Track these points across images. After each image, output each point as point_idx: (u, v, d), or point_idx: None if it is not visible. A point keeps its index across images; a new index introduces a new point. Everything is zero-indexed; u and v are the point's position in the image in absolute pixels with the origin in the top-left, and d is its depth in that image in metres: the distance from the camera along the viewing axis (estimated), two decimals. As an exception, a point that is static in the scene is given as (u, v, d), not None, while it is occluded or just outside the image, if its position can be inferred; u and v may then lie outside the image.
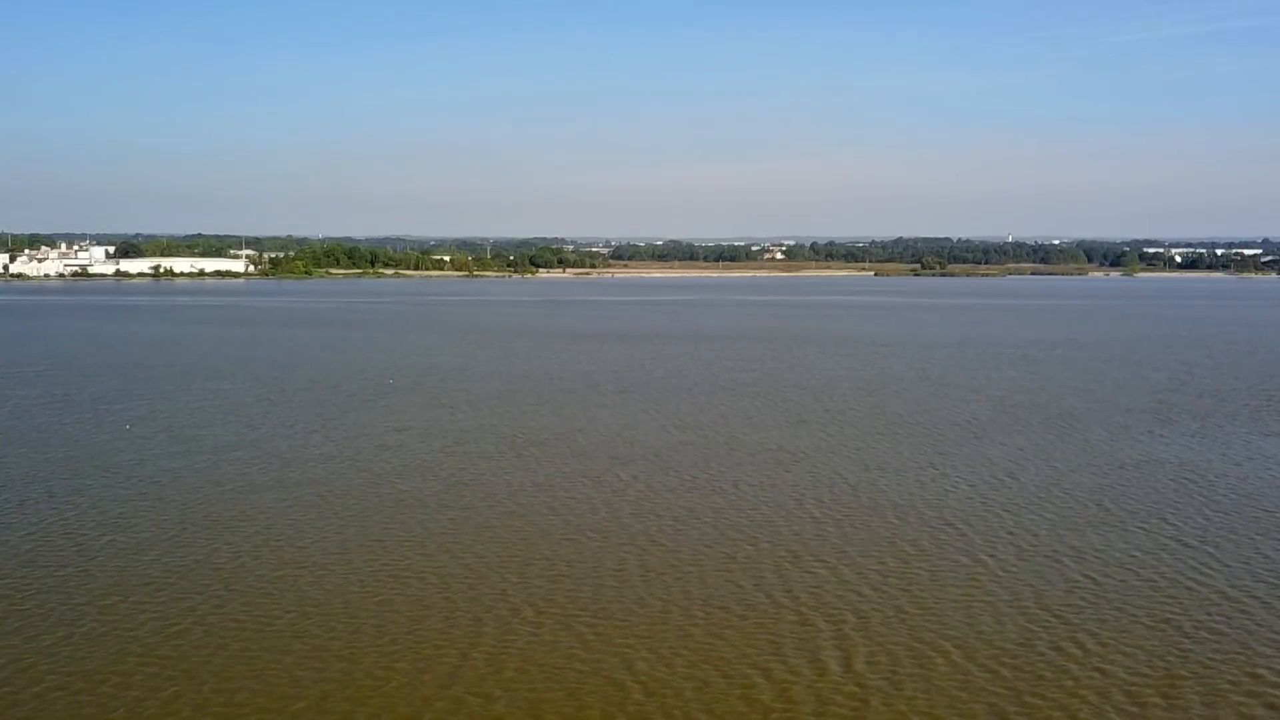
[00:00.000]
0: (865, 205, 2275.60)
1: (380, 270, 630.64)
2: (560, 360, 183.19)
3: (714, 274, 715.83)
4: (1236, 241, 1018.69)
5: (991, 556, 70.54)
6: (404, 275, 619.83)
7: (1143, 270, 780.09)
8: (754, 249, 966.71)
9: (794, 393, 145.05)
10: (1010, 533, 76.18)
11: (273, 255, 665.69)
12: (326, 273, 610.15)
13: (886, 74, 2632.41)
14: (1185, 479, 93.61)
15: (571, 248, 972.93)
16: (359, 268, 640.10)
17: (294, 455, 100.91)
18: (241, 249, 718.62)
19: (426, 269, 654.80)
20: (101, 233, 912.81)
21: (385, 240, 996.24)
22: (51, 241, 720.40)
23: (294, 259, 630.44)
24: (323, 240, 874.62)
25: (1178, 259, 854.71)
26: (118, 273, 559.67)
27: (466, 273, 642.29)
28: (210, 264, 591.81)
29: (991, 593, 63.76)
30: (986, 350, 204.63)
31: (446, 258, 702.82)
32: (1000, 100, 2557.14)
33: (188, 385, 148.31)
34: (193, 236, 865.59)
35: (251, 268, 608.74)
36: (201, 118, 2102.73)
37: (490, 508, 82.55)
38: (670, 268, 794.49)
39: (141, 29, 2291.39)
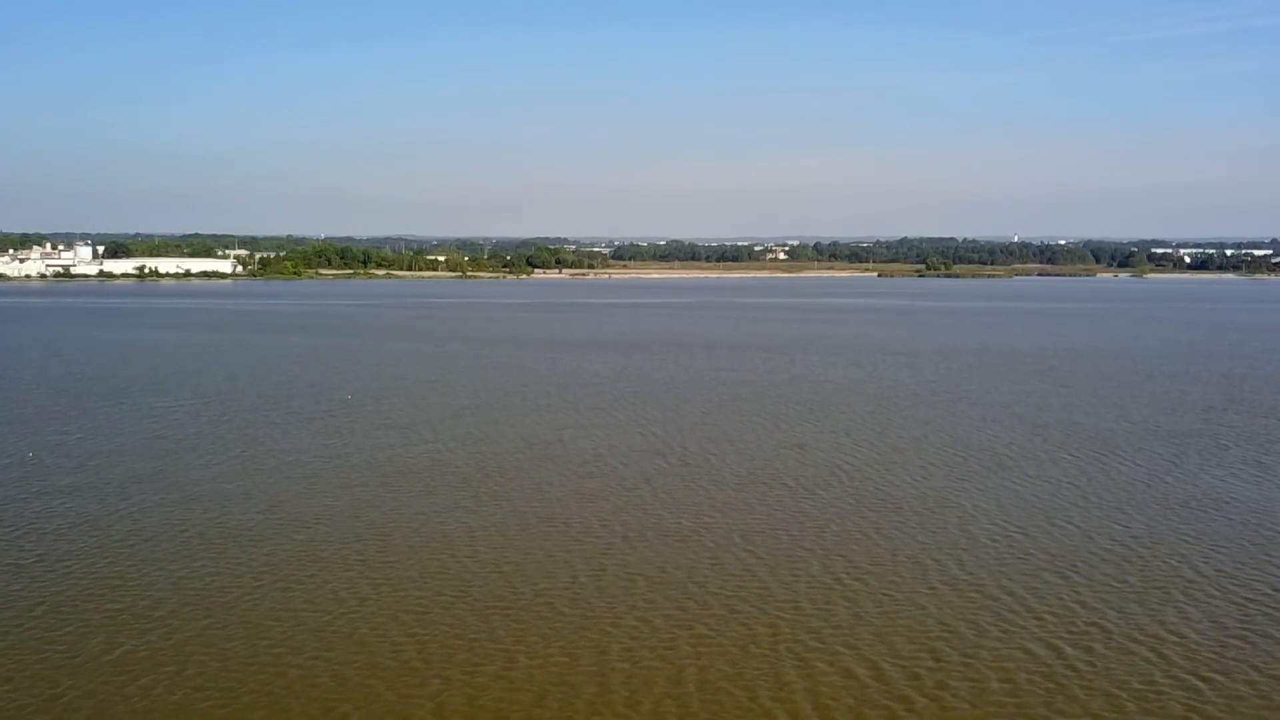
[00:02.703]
0: (870, 205, 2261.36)
1: (371, 271, 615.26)
2: (539, 372, 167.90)
3: (714, 274, 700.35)
4: (1245, 242, 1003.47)
5: (1060, 650, 55.28)
6: (396, 276, 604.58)
7: (1152, 271, 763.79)
8: (757, 249, 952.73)
9: (794, 410, 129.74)
10: (1067, 607, 60.87)
11: (263, 255, 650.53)
12: (316, 273, 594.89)
13: (891, 74, 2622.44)
14: (1264, 524, 78.32)
15: (573, 248, 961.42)
16: (351, 268, 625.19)
17: (200, 493, 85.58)
18: (234, 249, 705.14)
19: (420, 269, 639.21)
20: (102, 232, 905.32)
21: (386, 240, 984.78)
22: (48, 241, 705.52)
23: (283, 259, 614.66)
24: (324, 240, 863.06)
25: (1187, 260, 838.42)
26: (101, 273, 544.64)
27: (460, 274, 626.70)
28: (197, 264, 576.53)
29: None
30: (1006, 359, 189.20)
31: (441, 258, 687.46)
32: (1005, 100, 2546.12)
33: (120, 402, 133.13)
34: (190, 236, 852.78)
35: (239, 268, 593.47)
36: (203, 117, 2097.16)
37: (414, 567, 67.23)
38: (670, 268, 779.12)
39: (142, 29, 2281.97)
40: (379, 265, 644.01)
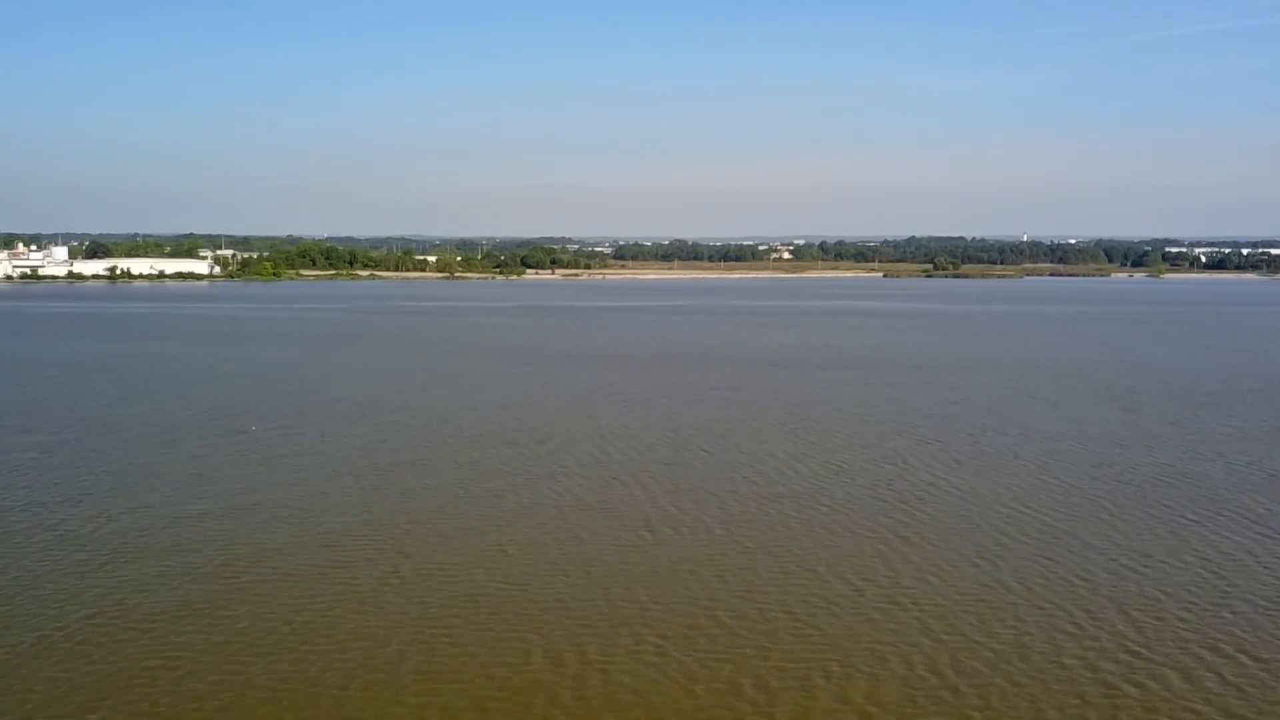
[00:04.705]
0: (878, 204, 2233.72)
1: (355, 272, 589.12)
2: (490, 394, 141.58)
3: (714, 275, 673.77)
4: (1259, 240, 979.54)
5: None
6: (380, 277, 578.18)
7: (1168, 271, 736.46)
8: (761, 248, 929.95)
9: (794, 457, 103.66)
10: None
11: (246, 256, 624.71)
12: (297, 274, 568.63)
13: (899, 72, 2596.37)
14: None
15: (576, 247, 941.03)
16: (335, 268, 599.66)
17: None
18: (220, 248, 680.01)
19: (408, 270, 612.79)
20: (100, 232, 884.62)
21: (386, 240, 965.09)
22: (36, 241, 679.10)
23: (263, 260, 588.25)
24: (323, 240, 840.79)
25: (1203, 259, 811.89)
26: (70, 275, 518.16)
27: (448, 274, 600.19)
28: (172, 265, 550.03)
29: None
30: (1049, 374, 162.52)
31: (431, 258, 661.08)
32: (1014, 98, 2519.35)
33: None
34: (184, 236, 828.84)
35: (217, 269, 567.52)
36: (198, 116, 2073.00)
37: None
38: (670, 268, 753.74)
39: (139, 26, 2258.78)
40: (365, 265, 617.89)
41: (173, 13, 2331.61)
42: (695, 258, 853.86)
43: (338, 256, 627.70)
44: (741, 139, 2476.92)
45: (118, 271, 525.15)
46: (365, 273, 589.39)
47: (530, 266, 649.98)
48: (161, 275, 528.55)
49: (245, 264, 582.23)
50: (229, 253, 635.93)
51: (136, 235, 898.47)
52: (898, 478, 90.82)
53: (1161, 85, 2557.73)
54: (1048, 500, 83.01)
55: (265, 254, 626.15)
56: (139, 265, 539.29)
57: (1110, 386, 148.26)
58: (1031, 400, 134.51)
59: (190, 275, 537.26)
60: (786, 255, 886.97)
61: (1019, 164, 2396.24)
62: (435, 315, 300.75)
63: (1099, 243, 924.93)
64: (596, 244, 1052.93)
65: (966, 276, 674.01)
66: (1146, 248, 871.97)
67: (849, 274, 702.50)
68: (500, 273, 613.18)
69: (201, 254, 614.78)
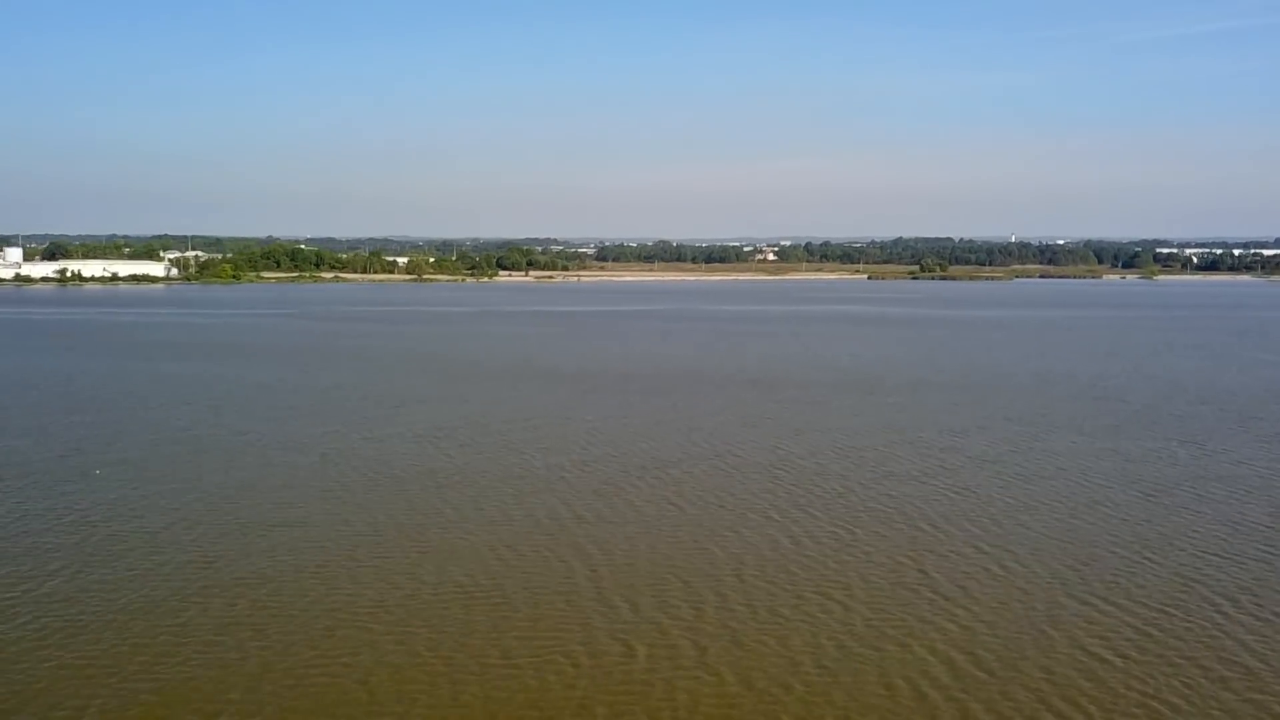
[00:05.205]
0: (865, 205, 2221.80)
1: (319, 274, 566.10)
2: (393, 426, 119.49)
3: (694, 277, 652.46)
4: (1248, 241, 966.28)
5: None
6: (345, 279, 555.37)
7: (1161, 272, 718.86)
8: (746, 249, 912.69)
9: (778, 538, 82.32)
10: None
11: (207, 257, 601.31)
12: (258, 276, 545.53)
13: (888, 73, 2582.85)
14: None
15: (559, 248, 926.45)
16: (301, 270, 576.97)
17: None
18: (188, 249, 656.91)
19: (375, 272, 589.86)
20: (78, 234, 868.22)
21: (369, 241, 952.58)
22: (8, 243, 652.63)
23: (223, 262, 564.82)
24: (307, 241, 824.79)
25: (1195, 260, 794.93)
26: (18, 278, 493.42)
27: (416, 276, 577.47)
28: (127, 268, 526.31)
29: None
30: (1074, 394, 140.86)
31: (403, 259, 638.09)
32: (1002, 99, 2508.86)
33: None
34: (159, 237, 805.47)
35: (175, 271, 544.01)
36: (187, 118, 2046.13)
37: None
38: (651, 270, 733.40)
39: (125, 30, 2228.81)
40: (332, 267, 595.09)
41: (172, 16, 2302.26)
42: (679, 259, 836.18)
43: (304, 258, 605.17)
44: (730, 140, 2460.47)
45: (68, 274, 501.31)
46: (329, 275, 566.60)
47: (505, 268, 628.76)
48: (115, 278, 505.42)
49: (205, 266, 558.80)
50: (191, 254, 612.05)
51: (115, 236, 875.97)
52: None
53: (1146, 86, 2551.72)
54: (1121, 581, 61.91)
55: (228, 256, 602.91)
56: (91, 268, 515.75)
57: (1152, 409, 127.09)
58: (1056, 424, 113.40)
59: (145, 278, 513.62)
60: (771, 257, 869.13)
61: (1007, 165, 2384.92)
62: (381, 323, 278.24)
63: (1088, 244, 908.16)
64: (582, 245, 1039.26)
65: (954, 278, 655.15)
66: (1137, 249, 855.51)
67: (833, 276, 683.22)
68: (472, 274, 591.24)
69: (160, 256, 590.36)
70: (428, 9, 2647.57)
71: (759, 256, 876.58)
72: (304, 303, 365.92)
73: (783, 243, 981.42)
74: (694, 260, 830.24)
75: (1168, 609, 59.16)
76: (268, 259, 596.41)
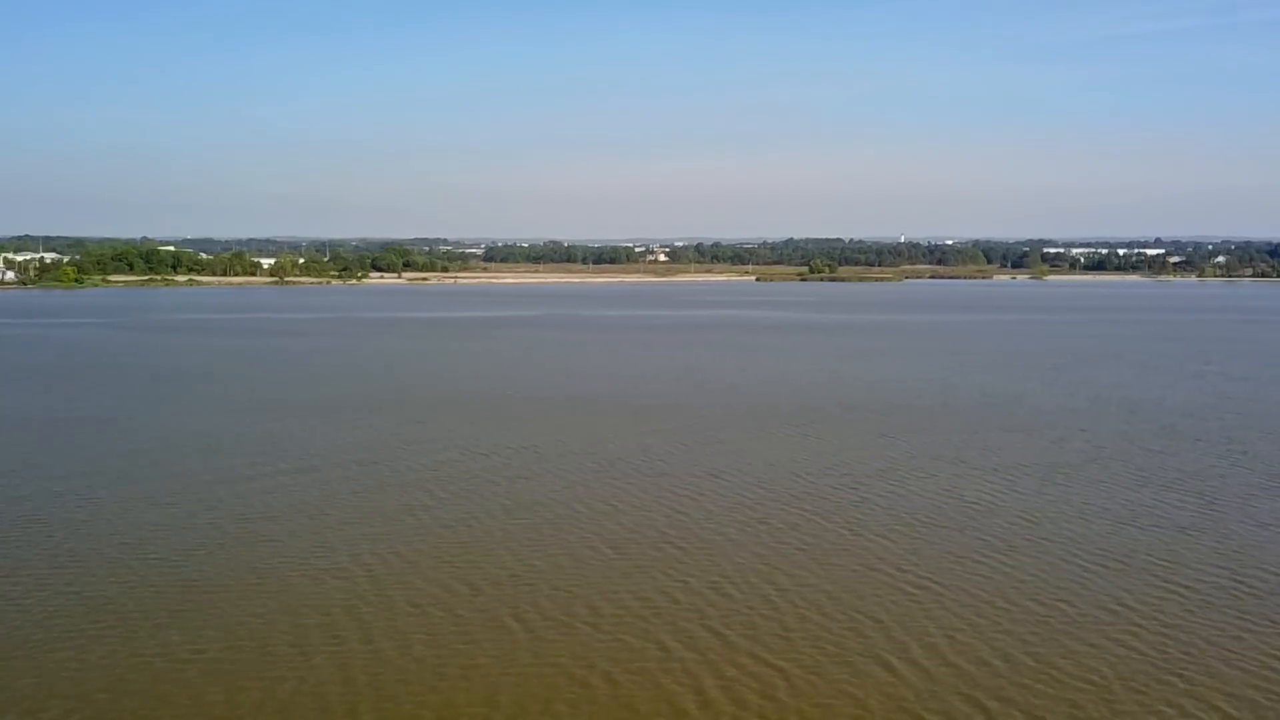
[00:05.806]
0: (760, 207, 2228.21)
1: (173, 278, 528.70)
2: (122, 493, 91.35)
3: (578, 279, 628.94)
4: (1130, 241, 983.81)
5: None
6: (199, 283, 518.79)
7: (1050, 273, 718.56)
8: (638, 250, 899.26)
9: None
10: None
11: (50, 259, 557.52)
12: (105, 280, 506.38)
13: (780, 77, 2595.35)
14: None
15: (447, 248, 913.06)
16: (157, 272, 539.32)
17: None
18: (38, 250, 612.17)
19: (236, 274, 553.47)
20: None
21: (252, 242, 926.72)
22: None
23: (66, 265, 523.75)
24: (182, 242, 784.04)
25: (1082, 260, 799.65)
26: None
27: (279, 279, 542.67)
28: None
29: None
30: (1036, 421, 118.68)
31: (266, 261, 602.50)
32: (891, 100, 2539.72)
33: None
34: (21, 237, 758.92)
35: (10, 274, 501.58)
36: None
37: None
38: (536, 271, 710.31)
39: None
40: (190, 269, 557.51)
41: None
42: (569, 259, 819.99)
43: (159, 260, 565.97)
44: (626, 140, 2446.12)
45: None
46: (184, 278, 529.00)
47: (380, 269, 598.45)
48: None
49: (45, 269, 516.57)
50: (28, 256, 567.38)
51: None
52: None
53: (1027, 91, 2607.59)
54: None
55: (74, 258, 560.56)
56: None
57: (1158, 451, 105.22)
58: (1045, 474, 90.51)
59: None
60: (663, 257, 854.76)
61: (896, 166, 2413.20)
62: (199, 334, 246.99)
63: (977, 243, 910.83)
64: (473, 244, 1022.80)
65: (843, 279, 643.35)
66: (1025, 249, 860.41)
67: (722, 277, 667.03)
68: (340, 277, 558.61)
69: (11, 259, 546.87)
70: (300, 6, 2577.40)
71: (650, 257, 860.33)
72: (148, 309, 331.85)
73: (676, 243, 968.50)
74: (584, 261, 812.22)
75: None
76: (119, 261, 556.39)
